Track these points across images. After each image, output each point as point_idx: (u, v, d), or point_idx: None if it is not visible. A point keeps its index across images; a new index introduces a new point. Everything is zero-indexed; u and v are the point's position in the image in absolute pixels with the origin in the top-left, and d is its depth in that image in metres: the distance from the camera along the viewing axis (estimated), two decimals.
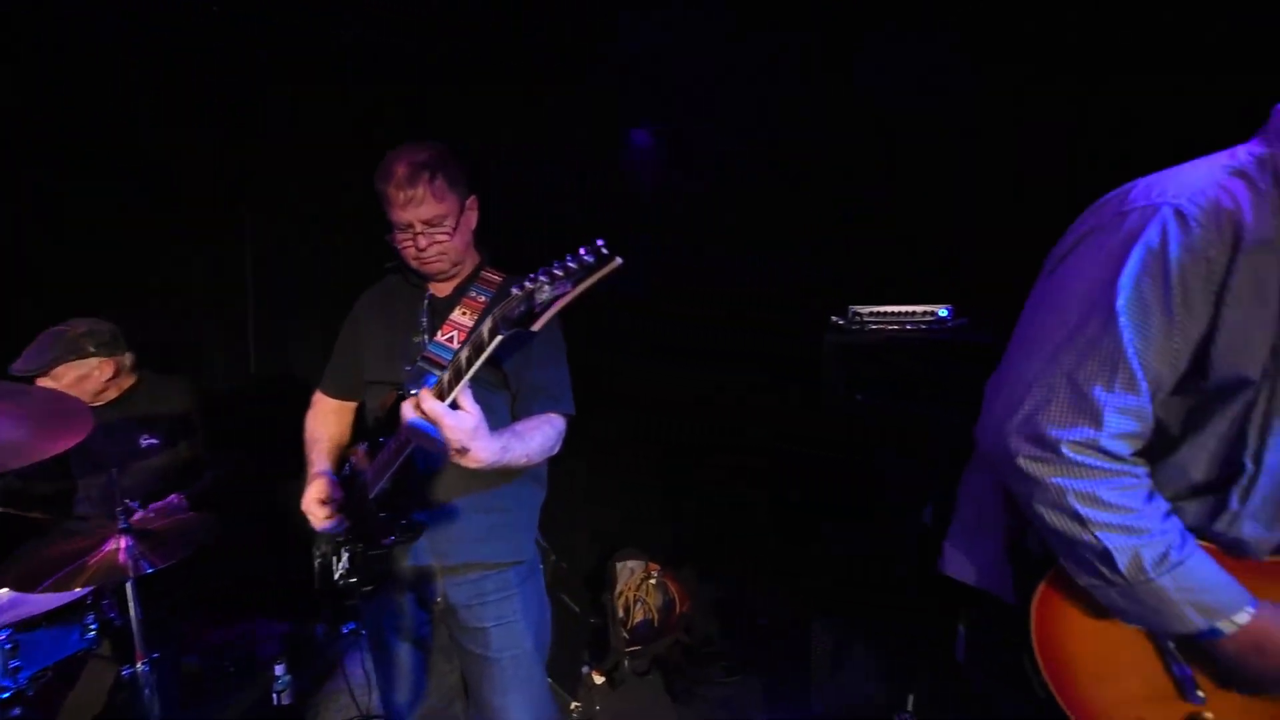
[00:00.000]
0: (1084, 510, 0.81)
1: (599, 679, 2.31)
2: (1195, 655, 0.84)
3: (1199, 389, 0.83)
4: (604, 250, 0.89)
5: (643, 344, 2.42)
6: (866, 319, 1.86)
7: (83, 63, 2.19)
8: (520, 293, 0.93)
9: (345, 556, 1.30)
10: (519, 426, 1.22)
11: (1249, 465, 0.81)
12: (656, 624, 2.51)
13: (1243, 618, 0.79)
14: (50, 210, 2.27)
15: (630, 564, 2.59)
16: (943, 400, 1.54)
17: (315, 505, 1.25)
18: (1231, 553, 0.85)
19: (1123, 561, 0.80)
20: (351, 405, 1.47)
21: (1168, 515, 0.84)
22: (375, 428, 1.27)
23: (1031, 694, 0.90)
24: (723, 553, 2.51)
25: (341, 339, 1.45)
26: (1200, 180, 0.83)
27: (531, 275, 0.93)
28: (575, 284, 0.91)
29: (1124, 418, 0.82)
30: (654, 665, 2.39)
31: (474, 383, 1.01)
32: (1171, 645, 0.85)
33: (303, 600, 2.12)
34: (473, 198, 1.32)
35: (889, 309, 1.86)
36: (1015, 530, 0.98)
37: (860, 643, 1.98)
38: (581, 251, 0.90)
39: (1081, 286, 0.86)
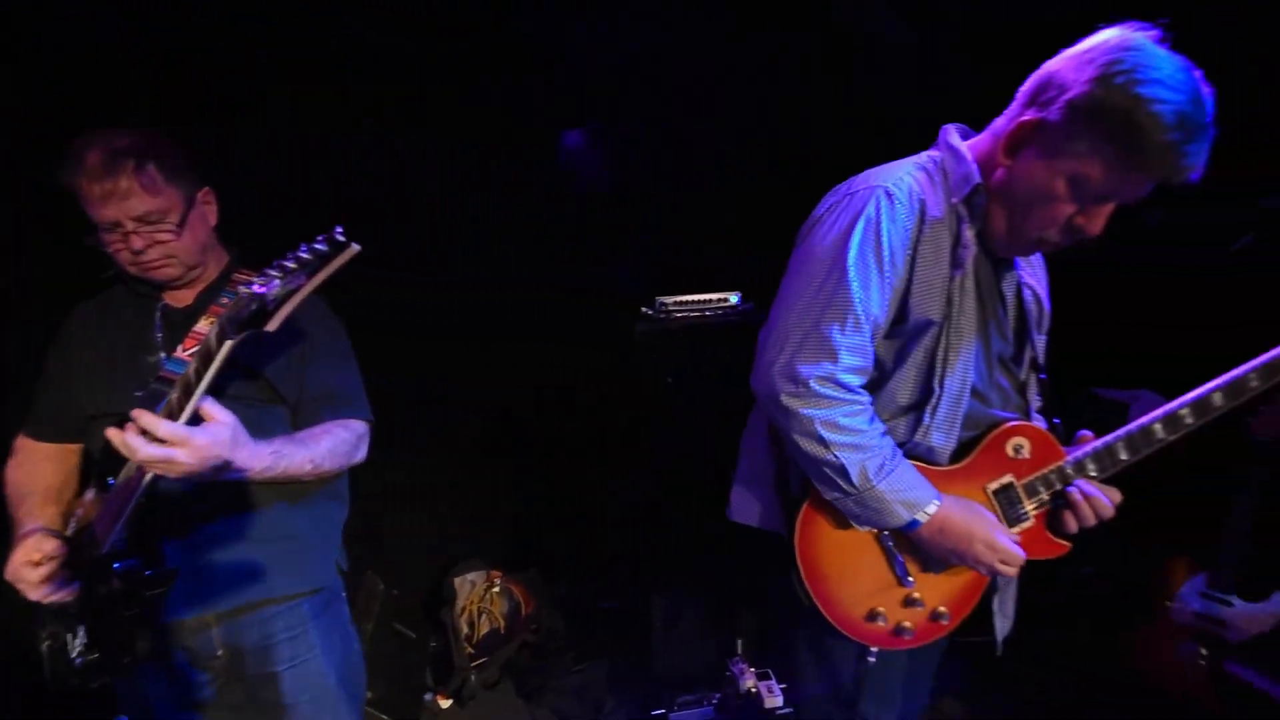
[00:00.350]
0: (827, 435, 1.00)
1: (445, 703, 2.21)
2: (905, 549, 1.08)
3: (902, 331, 1.05)
4: (339, 237, 0.85)
5: (454, 343, 2.33)
6: (671, 308, 2.01)
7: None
8: (248, 291, 0.85)
9: (82, 631, 1.07)
10: (299, 434, 1.10)
11: (936, 388, 1.04)
12: (504, 631, 2.47)
13: (932, 508, 1.02)
14: None
15: (470, 576, 2.51)
16: (736, 378, 1.75)
17: (25, 569, 1.01)
18: (924, 460, 1.08)
19: (854, 473, 1.00)
20: (74, 448, 1.20)
21: (884, 434, 1.05)
22: (103, 469, 1.06)
23: (802, 605, 1.09)
24: (562, 546, 2.55)
25: (48, 369, 1.19)
26: (900, 171, 1.06)
27: (262, 271, 0.86)
28: (310, 275, 0.86)
29: (853, 355, 1.01)
30: (504, 672, 2.35)
31: (236, 401, 0.92)
32: (890, 544, 1.07)
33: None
34: (206, 190, 1.17)
35: (690, 298, 2.03)
36: (780, 473, 1.17)
37: (692, 606, 2.17)
38: (317, 240, 0.85)
39: (823, 251, 1.04)
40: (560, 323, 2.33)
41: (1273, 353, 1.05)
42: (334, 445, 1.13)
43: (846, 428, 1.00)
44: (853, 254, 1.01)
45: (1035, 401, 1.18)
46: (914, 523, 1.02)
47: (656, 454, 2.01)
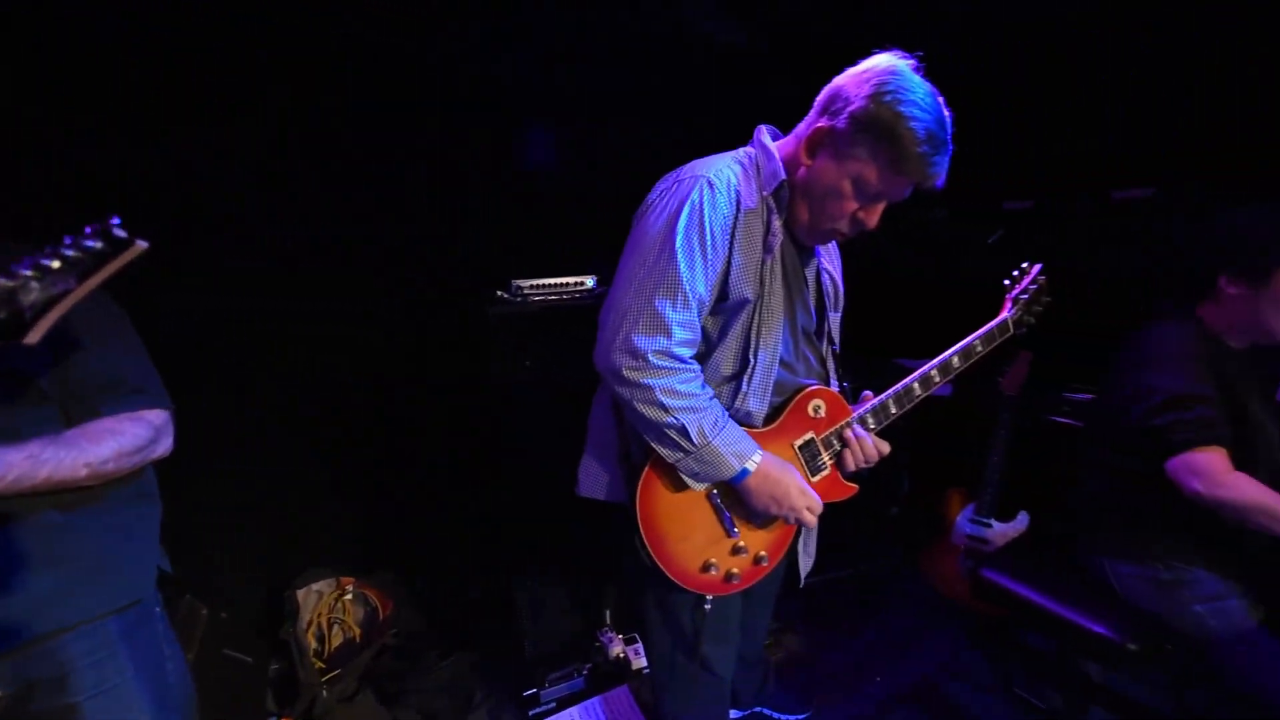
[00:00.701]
0: (667, 400, 1.11)
1: None
2: (730, 504, 1.24)
3: (724, 309, 1.19)
4: (119, 233, 0.72)
5: (287, 330, 2.12)
6: (528, 291, 2.00)
7: None
8: None
9: None
10: (67, 434, 0.97)
11: (751, 359, 1.19)
12: (359, 639, 2.32)
13: (758, 457, 1.17)
14: None
15: (316, 587, 2.31)
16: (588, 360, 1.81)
17: None
18: (743, 423, 1.23)
19: (693, 431, 1.12)
20: None
21: (712, 398, 1.18)
22: None
23: (645, 566, 1.20)
24: (419, 542, 2.44)
25: None
26: (720, 164, 1.19)
27: (12, 266, 0.71)
28: (81, 279, 0.72)
29: (683, 329, 1.13)
30: (363, 682, 2.21)
31: None
32: (718, 501, 1.21)
33: None
34: None
35: (546, 281, 2.04)
36: (623, 445, 1.27)
37: (559, 584, 2.21)
38: (85, 235, 0.72)
39: (654, 235, 1.14)
40: (406, 309, 2.21)
41: (989, 325, 1.38)
42: (121, 442, 0.99)
43: (683, 393, 1.12)
44: (680, 237, 1.11)
45: (831, 368, 1.38)
46: (744, 472, 1.16)
47: (514, 437, 2.00)
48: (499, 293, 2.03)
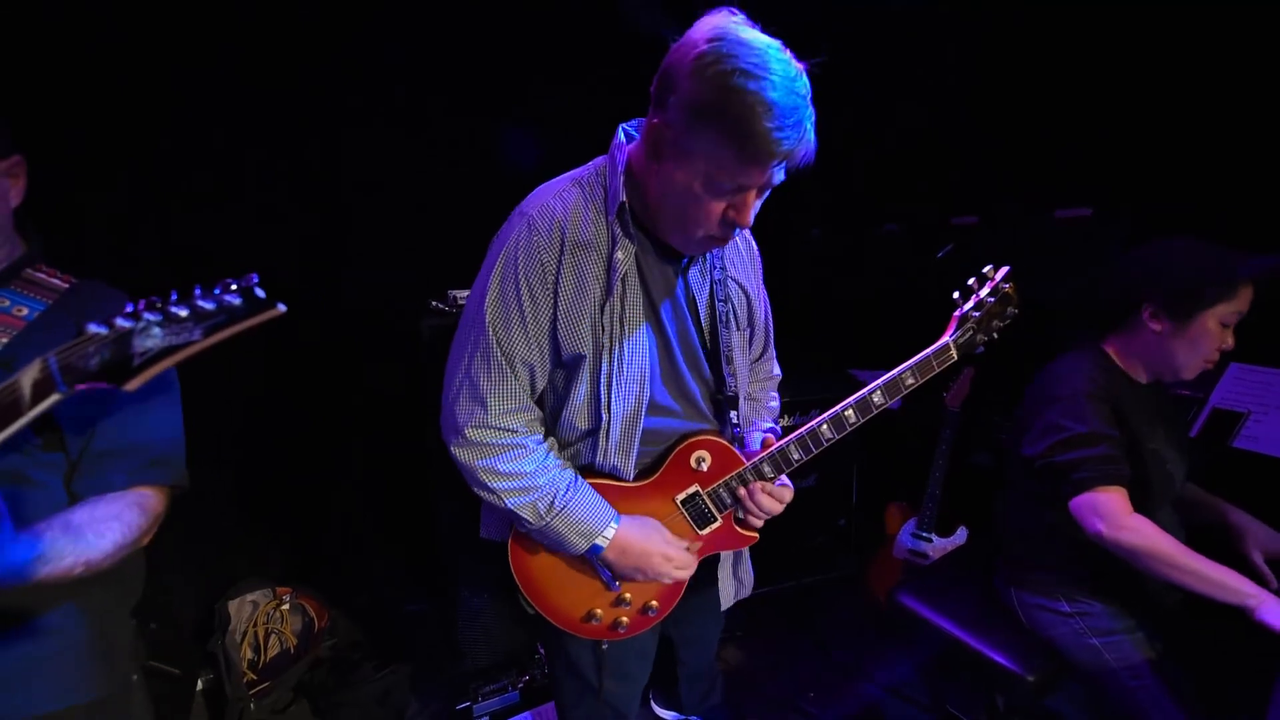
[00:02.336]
0: (491, 483, 1.03)
1: None
2: (606, 563, 1.13)
3: (563, 363, 1.05)
4: (259, 292, 0.69)
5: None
6: (463, 302, 1.99)
7: None
8: (105, 333, 0.65)
9: None
10: (79, 514, 0.83)
11: (603, 415, 1.05)
12: (294, 650, 2.29)
13: (610, 532, 1.07)
14: None
15: (251, 597, 2.28)
16: None
17: None
18: (612, 477, 1.12)
19: (527, 514, 1.05)
20: None
21: (555, 469, 1.06)
22: None
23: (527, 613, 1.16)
24: (357, 551, 2.41)
25: None
26: (554, 190, 1.02)
27: (131, 305, 0.65)
28: (208, 334, 0.68)
29: (501, 400, 1.02)
30: (298, 693, 2.18)
31: None
32: (596, 557, 1.11)
33: None
34: (17, 159, 0.93)
35: None
36: None
37: (499, 596, 2.19)
38: (227, 289, 0.68)
39: (474, 294, 1.04)
40: (338, 320, 2.19)
41: (925, 353, 1.15)
42: (123, 535, 0.86)
43: (507, 473, 1.02)
44: (491, 296, 1.00)
45: (740, 398, 1.17)
46: (595, 548, 1.07)
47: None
48: (433, 303, 2.01)
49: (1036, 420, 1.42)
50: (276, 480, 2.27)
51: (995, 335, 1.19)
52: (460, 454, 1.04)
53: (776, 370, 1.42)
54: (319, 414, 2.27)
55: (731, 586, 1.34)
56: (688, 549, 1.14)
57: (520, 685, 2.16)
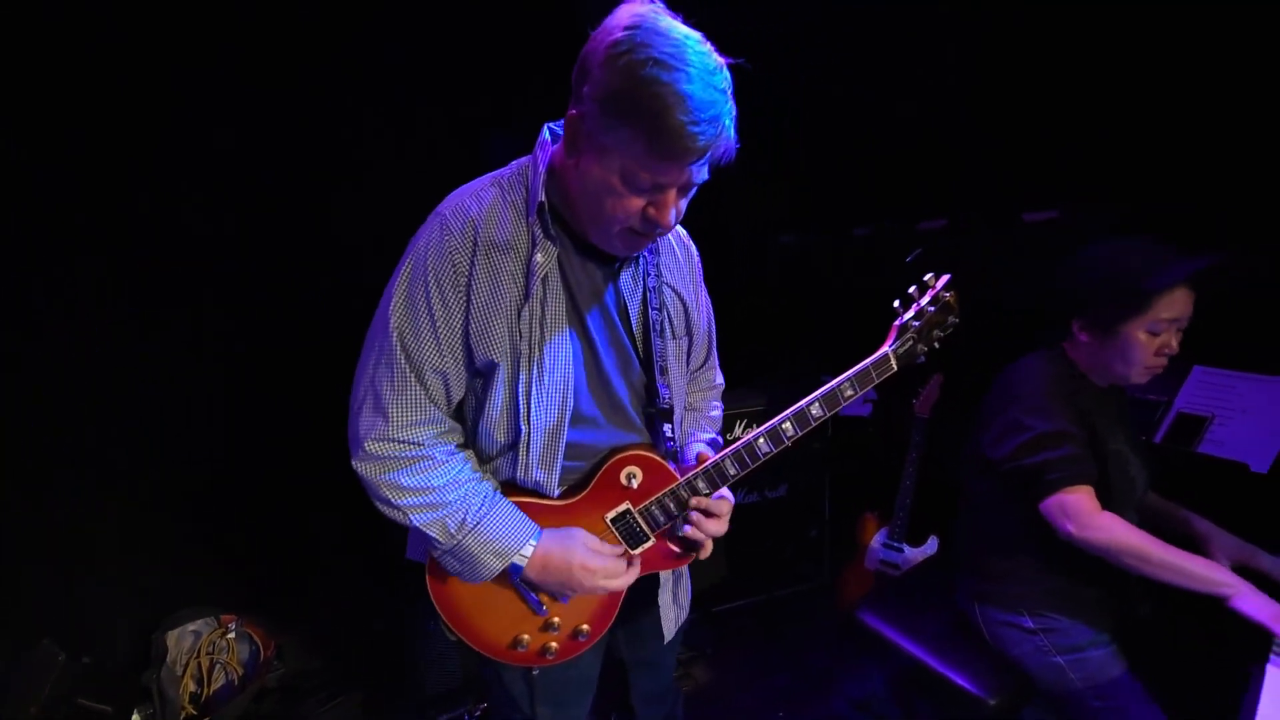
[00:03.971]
0: (394, 499, 0.96)
1: None
2: (530, 584, 1.05)
3: (479, 371, 0.98)
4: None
5: (154, 350, 1.98)
6: None
7: None
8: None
9: None
10: None
11: (523, 427, 0.99)
12: (240, 682, 2.17)
13: (528, 550, 0.99)
14: None
15: (192, 626, 2.16)
16: None
17: None
18: (535, 494, 1.05)
19: (435, 533, 0.97)
20: None
21: (467, 483, 0.99)
22: None
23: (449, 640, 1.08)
24: (309, 575, 2.30)
25: None
26: (471, 190, 0.97)
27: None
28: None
29: (404, 410, 0.96)
30: None
31: None
32: (517, 580, 1.05)
33: None
34: None
35: None
36: None
37: None
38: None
39: (383, 299, 0.97)
40: (277, 325, 2.09)
41: (864, 364, 1.10)
42: None
43: (412, 487, 0.95)
44: (398, 300, 0.94)
45: (673, 410, 1.11)
46: (514, 567, 1.00)
47: None
48: None
49: (997, 419, 1.39)
50: (223, 500, 2.16)
51: (936, 345, 1.14)
52: (362, 468, 0.97)
53: (719, 379, 1.36)
54: (266, 431, 2.16)
55: (672, 613, 1.26)
56: (618, 555, 1.07)
57: (478, 713, 2.06)
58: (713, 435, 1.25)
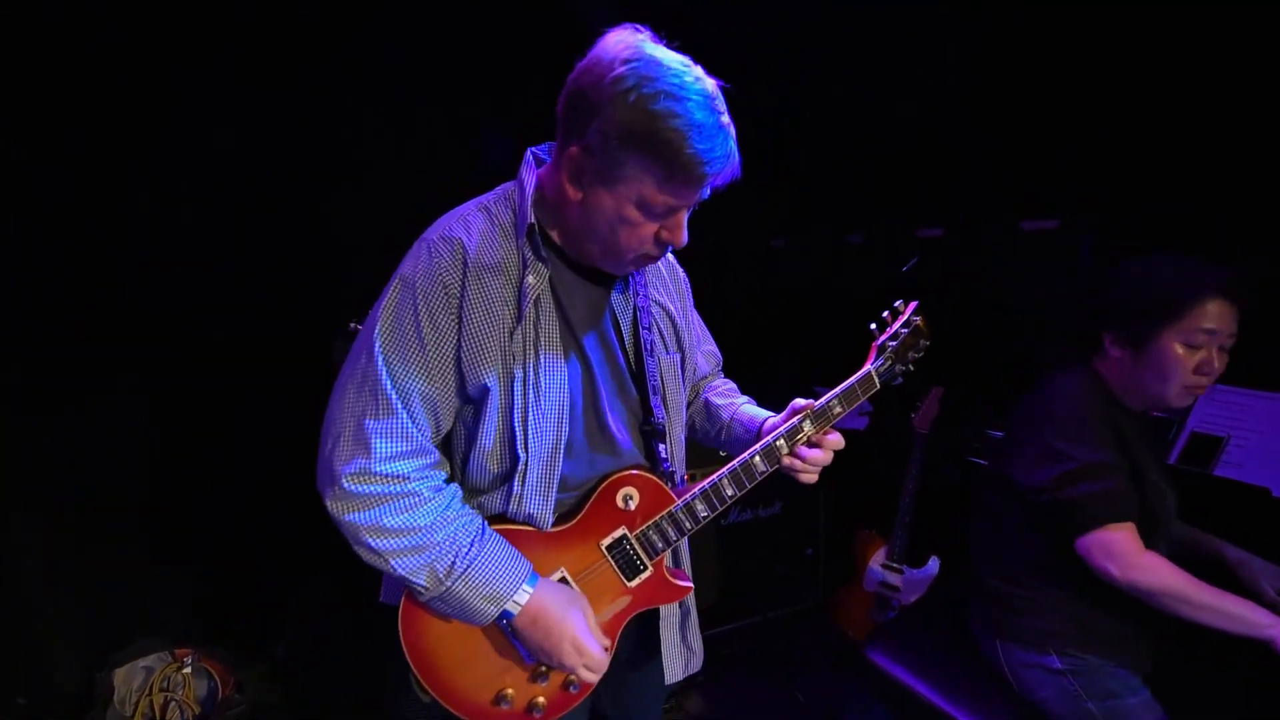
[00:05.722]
0: (375, 543, 0.88)
1: None
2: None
3: (470, 397, 0.94)
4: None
5: (106, 366, 1.84)
6: None
7: None
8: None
9: None
10: None
11: (520, 454, 0.94)
12: (195, 719, 2.01)
13: (523, 597, 0.91)
14: None
15: (144, 662, 1.99)
16: None
17: None
18: (528, 524, 0.98)
19: (422, 579, 0.89)
20: None
21: (455, 522, 0.92)
22: None
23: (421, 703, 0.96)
24: (270, 600, 2.15)
25: None
26: (458, 215, 0.97)
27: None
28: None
29: (389, 441, 0.89)
30: None
31: None
32: (505, 624, 0.95)
33: None
34: None
35: None
36: None
37: None
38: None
39: (366, 325, 0.93)
40: (237, 343, 1.95)
41: (850, 381, 1.11)
42: None
43: (396, 529, 0.88)
44: (384, 324, 0.90)
45: (668, 431, 1.08)
46: (505, 614, 0.92)
47: None
48: (352, 325, 1.79)
49: (1031, 442, 1.29)
50: (178, 527, 2.00)
51: (911, 366, 1.17)
52: (338, 509, 0.89)
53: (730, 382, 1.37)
54: (225, 452, 2.01)
55: (681, 657, 1.16)
56: (606, 648, 0.98)
57: None
58: (746, 399, 1.26)
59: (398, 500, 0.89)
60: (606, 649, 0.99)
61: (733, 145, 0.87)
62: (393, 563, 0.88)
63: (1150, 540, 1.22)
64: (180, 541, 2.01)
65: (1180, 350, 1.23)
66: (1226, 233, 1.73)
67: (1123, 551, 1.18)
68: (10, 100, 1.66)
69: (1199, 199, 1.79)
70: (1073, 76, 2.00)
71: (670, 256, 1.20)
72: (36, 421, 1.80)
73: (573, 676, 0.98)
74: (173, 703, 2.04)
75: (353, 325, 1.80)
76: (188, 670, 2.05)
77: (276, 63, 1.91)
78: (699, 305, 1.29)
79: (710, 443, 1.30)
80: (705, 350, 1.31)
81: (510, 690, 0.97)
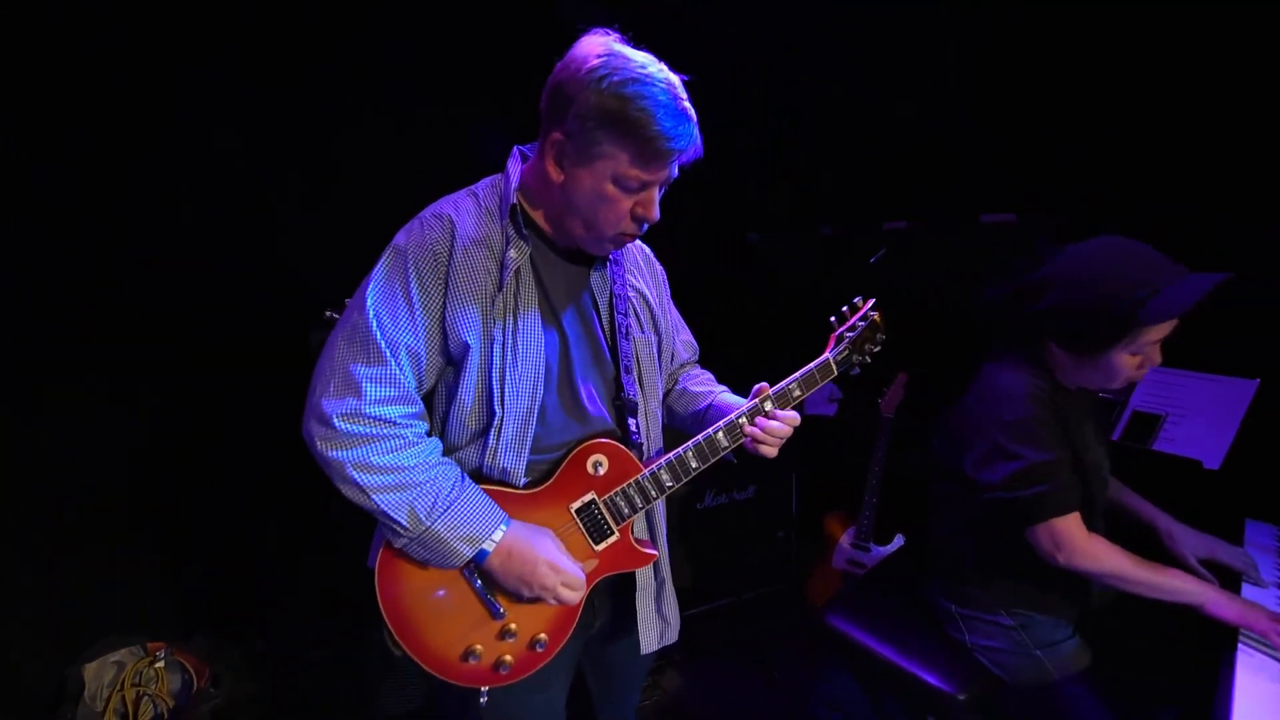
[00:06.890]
0: (360, 478, 0.94)
1: None
2: (489, 582, 1.04)
3: (452, 357, 1.02)
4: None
5: (70, 357, 1.79)
6: None
7: None
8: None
9: None
10: None
11: (498, 410, 1.01)
12: (170, 714, 1.98)
13: (498, 535, 0.99)
14: None
15: (114, 657, 1.96)
16: None
17: None
18: (501, 483, 1.05)
19: (403, 516, 0.95)
20: None
21: (438, 465, 0.99)
22: None
23: (394, 656, 1.01)
24: (248, 590, 2.13)
25: None
26: (445, 199, 1.08)
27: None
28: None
29: (379, 386, 0.96)
30: None
31: None
32: (477, 581, 1.03)
33: None
34: None
35: None
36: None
37: None
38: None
39: (358, 291, 1.02)
40: (211, 333, 1.92)
41: (808, 367, 1.18)
42: None
43: (381, 466, 0.95)
44: (376, 284, 0.99)
45: (637, 407, 1.15)
46: (481, 553, 0.99)
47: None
48: (328, 313, 1.79)
49: (982, 440, 1.34)
50: (152, 520, 1.97)
51: (868, 359, 1.24)
52: (326, 447, 0.94)
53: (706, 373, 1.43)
54: (198, 441, 1.98)
55: (655, 627, 1.21)
56: (582, 567, 1.06)
57: None
58: (724, 388, 1.32)
59: (385, 440, 0.96)
60: (583, 567, 1.05)
61: (694, 128, 0.96)
62: (375, 498, 0.93)
63: (1089, 518, 1.30)
64: (154, 536, 1.98)
65: (1127, 358, 1.26)
66: (1185, 225, 1.81)
67: (1068, 541, 1.27)
68: (10, 100, 1.63)
69: (1158, 193, 1.89)
70: (1073, 69, 2.03)
71: (648, 252, 1.30)
72: (2, 415, 1.75)
73: (552, 601, 1.03)
74: (145, 697, 2.01)
75: (329, 314, 1.79)
76: (160, 664, 2.02)
77: (276, 63, 1.91)
78: (676, 299, 1.35)
79: (692, 430, 1.33)
80: (682, 339, 1.38)
81: (479, 646, 1.02)
